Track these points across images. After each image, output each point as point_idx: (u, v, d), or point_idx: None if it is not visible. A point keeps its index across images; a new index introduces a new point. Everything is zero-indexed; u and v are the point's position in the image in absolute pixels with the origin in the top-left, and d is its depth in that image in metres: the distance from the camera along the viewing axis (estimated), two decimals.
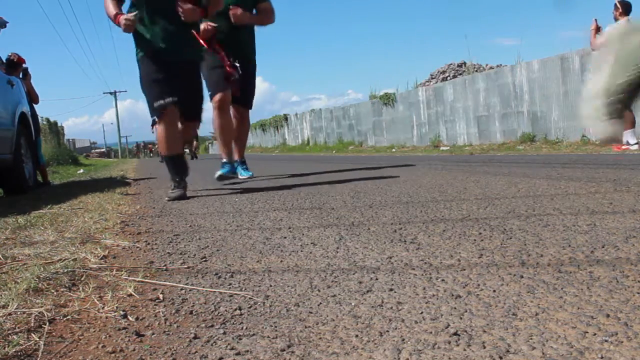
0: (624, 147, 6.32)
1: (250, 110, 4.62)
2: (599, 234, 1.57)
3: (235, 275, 1.40)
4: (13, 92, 4.78)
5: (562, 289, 1.09)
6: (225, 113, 4.25)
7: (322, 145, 19.82)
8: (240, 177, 4.65)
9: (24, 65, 6.27)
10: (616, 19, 6.47)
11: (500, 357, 0.80)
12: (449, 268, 1.31)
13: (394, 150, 13.40)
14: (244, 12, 4.20)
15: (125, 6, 3.32)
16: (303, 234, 1.90)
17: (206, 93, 3.82)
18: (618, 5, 6.39)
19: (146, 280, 1.40)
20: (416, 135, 14.22)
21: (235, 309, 1.12)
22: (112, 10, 3.18)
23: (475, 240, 1.60)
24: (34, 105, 6.36)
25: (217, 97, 4.12)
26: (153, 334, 1.01)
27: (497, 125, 11.42)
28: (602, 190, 2.52)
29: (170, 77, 3.23)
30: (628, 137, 6.23)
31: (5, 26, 4.90)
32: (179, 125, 3.40)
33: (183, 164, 3.43)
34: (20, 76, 5.98)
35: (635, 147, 6.29)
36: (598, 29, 6.62)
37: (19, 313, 1.12)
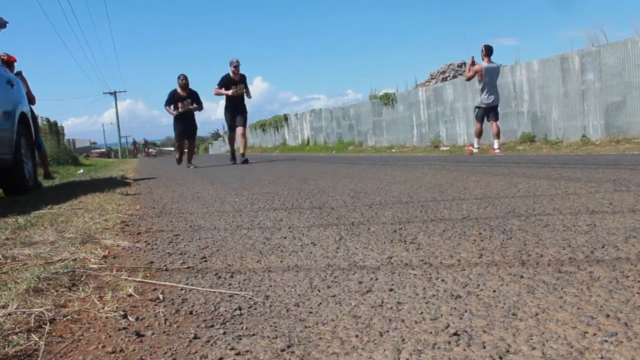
0: (474, 149, 8.71)
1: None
2: (599, 234, 1.57)
3: (235, 275, 1.40)
4: (13, 92, 4.78)
5: (562, 289, 1.09)
6: None
7: (322, 145, 19.82)
8: None
9: (15, 63, 6.26)
10: (482, 59, 8.48)
11: (500, 357, 0.80)
12: (449, 268, 1.31)
13: (394, 150, 13.40)
14: None
15: None
16: (303, 234, 1.90)
17: None
18: (483, 48, 8.48)
19: (146, 280, 1.40)
20: (416, 135, 14.22)
21: (235, 309, 1.12)
22: None
23: (475, 240, 1.60)
24: (32, 106, 6.36)
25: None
26: (153, 334, 1.01)
27: None
28: (602, 190, 2.52)
29: None
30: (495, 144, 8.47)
31: (5, 26, 4.89)
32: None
33: None
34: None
35: (498, 151, 8.21)
36: (473, 63, 8.56)
37: (19, 313, 1.12)
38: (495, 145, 8.32)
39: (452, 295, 1.10)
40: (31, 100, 6.36)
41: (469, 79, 8.78)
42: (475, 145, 8.74)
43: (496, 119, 8.40)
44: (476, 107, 8.58)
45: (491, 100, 8.30)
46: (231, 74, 9.13)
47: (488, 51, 8.35)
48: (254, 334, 0.97)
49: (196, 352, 0.91)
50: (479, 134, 8.68)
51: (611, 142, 8.12)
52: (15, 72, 6.15)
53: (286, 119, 24.71)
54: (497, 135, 8.32)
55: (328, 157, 11.82)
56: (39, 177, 6.50)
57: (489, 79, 8.30)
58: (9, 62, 6.12)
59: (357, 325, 0.98)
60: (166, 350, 0.93)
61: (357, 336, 0.93)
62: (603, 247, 1.41)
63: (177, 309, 1.15)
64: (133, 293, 1.27)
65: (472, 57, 8.60)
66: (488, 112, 8.36)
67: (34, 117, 6.28)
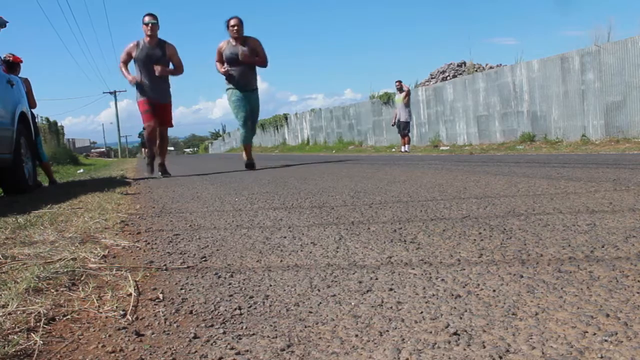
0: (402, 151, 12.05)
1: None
2: (599, 233, 1.57)
3: (235, 274, 1.40)
4: (13, 92, 4.78)
5: (562, 288, 1.09)
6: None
7: (322, 145, 19.82)
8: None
9: (21, 64, 6.26)
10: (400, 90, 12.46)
11: (500, 357, 0.80)
12: (448, 268, 1.31)
13: (393, 150, 13.40)
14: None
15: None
16: (303, 234, 1.90)
17: None
18: (399, 82, 12.43)
19: (146, 279, 1.40)
20: (416, 135, 14.22)
21: (235, 309, 1.12)
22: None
23: (475, 239, 1.60)
24: (32, 110, 6.34)
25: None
26: (153, 333, 1.01)
27: (497, 125, 11.42)
28: (602, 189, 2.52)
29: None
30: (405, 148, 12.19)
31: (5, 26, 4.89)
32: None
33: None
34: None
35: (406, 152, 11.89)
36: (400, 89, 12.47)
37: (18, 312, 1.12)
38: (404, 149, 12.35)
39: (452, 295, 1.10)
40: (32, 104, 6.34)
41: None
42: (404, 149, 12.22)
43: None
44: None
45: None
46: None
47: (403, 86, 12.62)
48: (253, 334, 0.97)
49: (196, 351, 0.91)
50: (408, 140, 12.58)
51: (611, 141, 8.13)
52: (19, 75, 6.13)
53: (286, 119, 24.70)
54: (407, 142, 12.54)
55: (328, 156, 11.83)
56: (44, 183, 6.48)
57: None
58: (15, 63, 6.11)
59: (357, 324, 0.98)
60: (166, 349, 0.93)
61: (357, 336, 0.93)
62: (603, 247, 1.41)
63: (177, 308, 1.15)
64: (133, 292, 1.27)
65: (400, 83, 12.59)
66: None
67: (34, 120, 6.28)
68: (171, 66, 6.21)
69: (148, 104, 6.09)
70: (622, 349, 0.80)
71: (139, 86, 6.07)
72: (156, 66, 5.94)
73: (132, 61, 6.11)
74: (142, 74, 6.03)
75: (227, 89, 6.56)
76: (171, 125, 6.48)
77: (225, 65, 6.40)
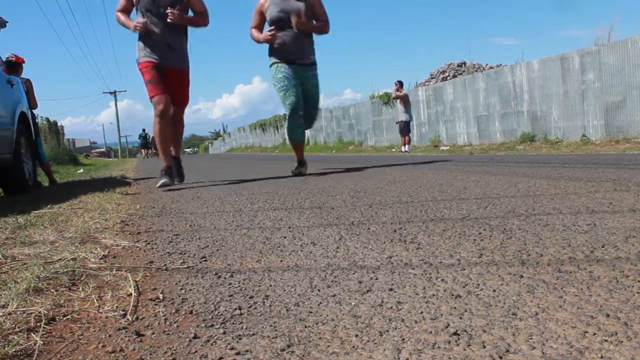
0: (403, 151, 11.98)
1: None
2: (599, 233, 1.57)
3: (235, 275, 1.40)
4: (13, 92, 4.78)
5: (562, 288, 1.09)
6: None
7: (322, 145, 19.82)
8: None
9: (23, 64, 6.26)
10: (397, 91, 12.56)
11: (500, 357, 0.80)
12: (449, 268, 1.31)
13: (393, 150, 13.40)
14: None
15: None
16: (303, 234, 1.90)
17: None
18: (396, 83, 12.55)
19: (146, 279, 1.40)
20: (416, 135, 14.22)
21: (235, 309, 1.12)
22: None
23: (475, 240, 1.60)
24: (32, 111, 6.35)
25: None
26: (153, 333, 1.01)
27: (497, 125, 11.42)
28: (602, 190, 2.52)
29: None
30: (405, 148, 12.17)
31: (5, 26, 4.90)
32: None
33: None
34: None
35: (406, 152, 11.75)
36: (401, 85, 12.63)
37: (18, 312, 1.12)
38: (405, 149, 12.25)
39: (452, 295, 1.10)
40: (33, 105, 6.35)
41: (396, 97, 12.76)
42: (405, 149, 12.19)
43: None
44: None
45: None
46: None
47: (401, 84, 12.59)
48: (253, 334, 0.97)
49: (196, 351, 0.91)
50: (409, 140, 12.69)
51: (611, 141, 8.13)
52: (21, 75, 6.13)
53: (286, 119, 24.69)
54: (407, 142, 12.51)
55: (328, 156, 11.82)
56: (44, 183, 6.49)
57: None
58: (17, 64, 6.12)
59: (357, 324, 0.98)
60: (166, 349, 0.93)
61: (357, 336, 0.93)
62: (603, 247, 1.41)
63: (177, 308, 1.15)
64: (133, 293, 1.27)
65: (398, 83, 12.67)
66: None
67: (35, 121, 6.29)
68: (190, 14, 4.29)
69: (155, 68, 4.11)
70: (622, 349, 0.80)
71: (145, 38, 4.09)
72: (171, 10, 4.01)
73: (133, 11, 4.21)
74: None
75: (272, 64, 4.62)
76: (186, 104, 4.45)
77: (270, 28, 4.47)
